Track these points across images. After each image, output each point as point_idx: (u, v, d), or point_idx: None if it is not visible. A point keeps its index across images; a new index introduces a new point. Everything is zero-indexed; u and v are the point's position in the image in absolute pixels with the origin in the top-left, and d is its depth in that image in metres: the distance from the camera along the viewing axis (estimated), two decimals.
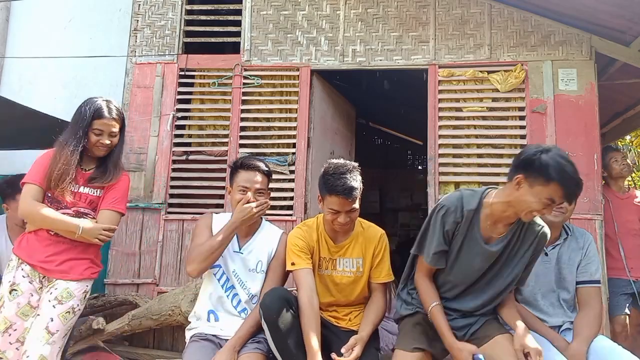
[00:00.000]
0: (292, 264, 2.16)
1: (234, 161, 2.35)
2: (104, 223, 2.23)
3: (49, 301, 2.11)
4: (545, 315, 2.22)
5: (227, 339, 2.05)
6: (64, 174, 2.15)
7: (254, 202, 2.18)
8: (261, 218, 2.35)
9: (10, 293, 2.12)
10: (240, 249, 2.25)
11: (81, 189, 2.24)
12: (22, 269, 2.16)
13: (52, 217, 2.14)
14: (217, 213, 2.40)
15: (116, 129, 2.28)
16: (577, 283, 2.24)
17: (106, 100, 2.28)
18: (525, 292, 2.19)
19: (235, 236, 2.24)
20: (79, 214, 2.21)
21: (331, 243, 2.25)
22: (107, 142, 2.26)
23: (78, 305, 2.18)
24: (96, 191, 2.27)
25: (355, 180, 2.09)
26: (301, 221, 3.39)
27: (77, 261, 2.21)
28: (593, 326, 2.11)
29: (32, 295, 2.15)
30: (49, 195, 2.20)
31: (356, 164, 2.17)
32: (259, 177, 2.24)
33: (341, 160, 2.18)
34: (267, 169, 2.29)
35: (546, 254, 2.25)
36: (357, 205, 2.12)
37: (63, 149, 2.19)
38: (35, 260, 2.16)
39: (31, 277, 2.16)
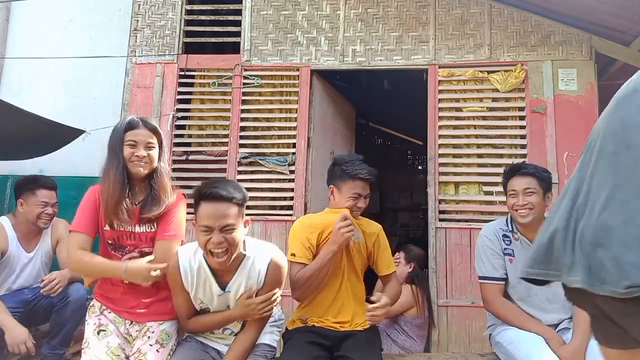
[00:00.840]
0: (293, 254, 2.16)
1: (196, 189, 1.85)
2: (157, 257, 1.95)
3: (151, 345, 1.93)
4: (540, 311, 2.15)
5: (220, 348, 2.04)
6: (120, 198, 1.92)
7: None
8: (244, 250, 1.93)
9: (98, 334, 1.97)
10: (224, 290, 1.95)
11: (137, 228, 1.99)
12: (106, 316, 2.02)
13: (95, 264, 1.93)
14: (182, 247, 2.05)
15: (153, 140, 2.01)
16: None
17: (141, 116, 2.08)
18: (519, 288, 2.15)
19: (213, 279, 1.93)
20: (144, 255, 1.98)
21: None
22: (144, 153, 1.96)
23: (175, 346, 2.02)
24: (152, 226, 2.01)
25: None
26: None
27: (160, 302, 2.03)
28: None
29: (118, 337, 1.98)
30: (110, 242, 1.99)
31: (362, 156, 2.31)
32: (226, 209, 1.78)
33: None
34: (240, 195, 1.83)
35: None
36: None
37: (107, 176, 1.96)
38: (120, 307, 2.01)
39: (116, 323, 2.01)
